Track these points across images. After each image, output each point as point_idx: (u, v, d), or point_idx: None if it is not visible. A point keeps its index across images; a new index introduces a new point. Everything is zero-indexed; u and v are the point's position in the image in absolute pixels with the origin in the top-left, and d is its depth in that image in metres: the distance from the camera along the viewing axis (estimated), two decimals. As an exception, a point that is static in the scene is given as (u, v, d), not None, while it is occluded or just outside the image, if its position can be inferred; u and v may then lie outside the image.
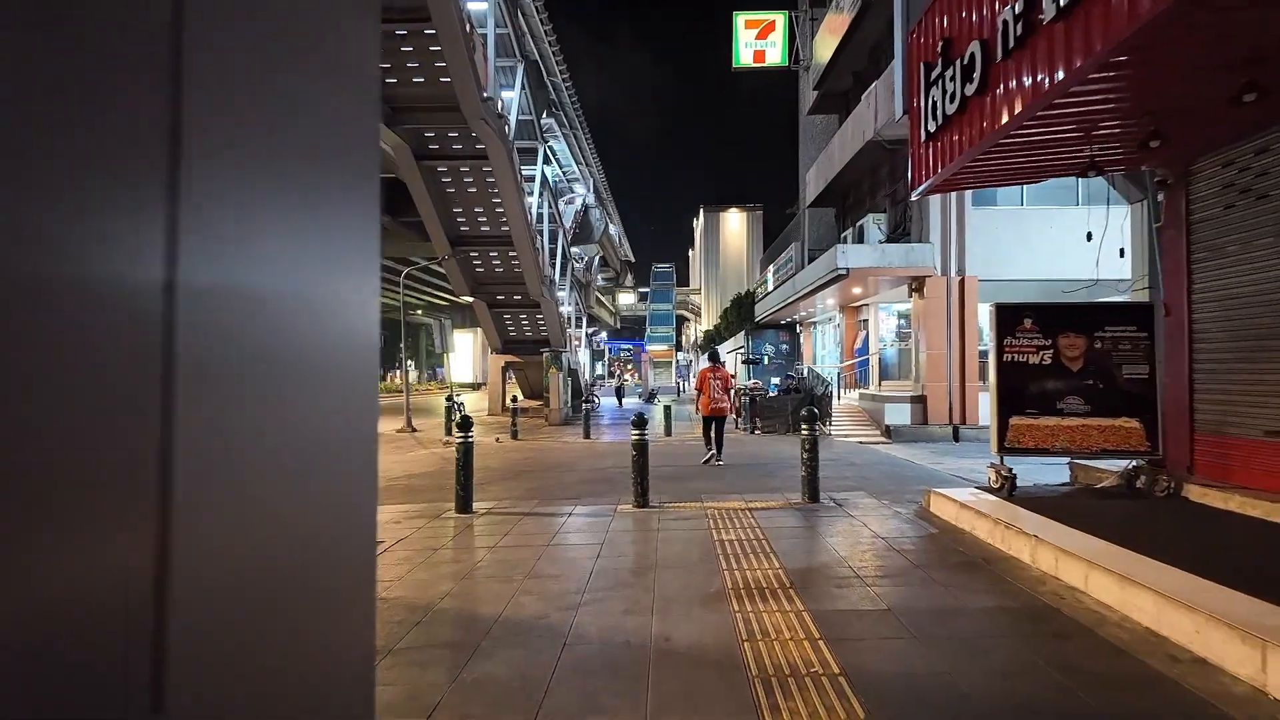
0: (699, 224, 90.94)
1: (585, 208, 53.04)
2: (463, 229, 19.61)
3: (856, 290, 17.59)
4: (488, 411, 25.22)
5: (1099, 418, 6.24)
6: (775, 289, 23.67)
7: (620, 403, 30.25)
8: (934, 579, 4.66)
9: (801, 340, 27.45)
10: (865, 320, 20.99)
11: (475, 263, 20.90)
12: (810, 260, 19.86)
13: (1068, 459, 7.37)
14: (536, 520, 6.89)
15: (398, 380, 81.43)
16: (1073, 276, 15.25)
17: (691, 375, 49.12)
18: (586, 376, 35.99)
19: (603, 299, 78.50)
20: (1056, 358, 6.32)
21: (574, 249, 52.88)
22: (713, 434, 11.25)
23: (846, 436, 15.06)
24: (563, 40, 27.39)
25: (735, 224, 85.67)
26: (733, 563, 5.12)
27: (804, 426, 7.46)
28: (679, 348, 75.74)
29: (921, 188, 6.93)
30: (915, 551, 5.38)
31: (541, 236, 22.38)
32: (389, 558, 5.59)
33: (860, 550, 5.44)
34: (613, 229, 68.85)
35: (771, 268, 24.30)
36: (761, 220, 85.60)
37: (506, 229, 19.05)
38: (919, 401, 15.19)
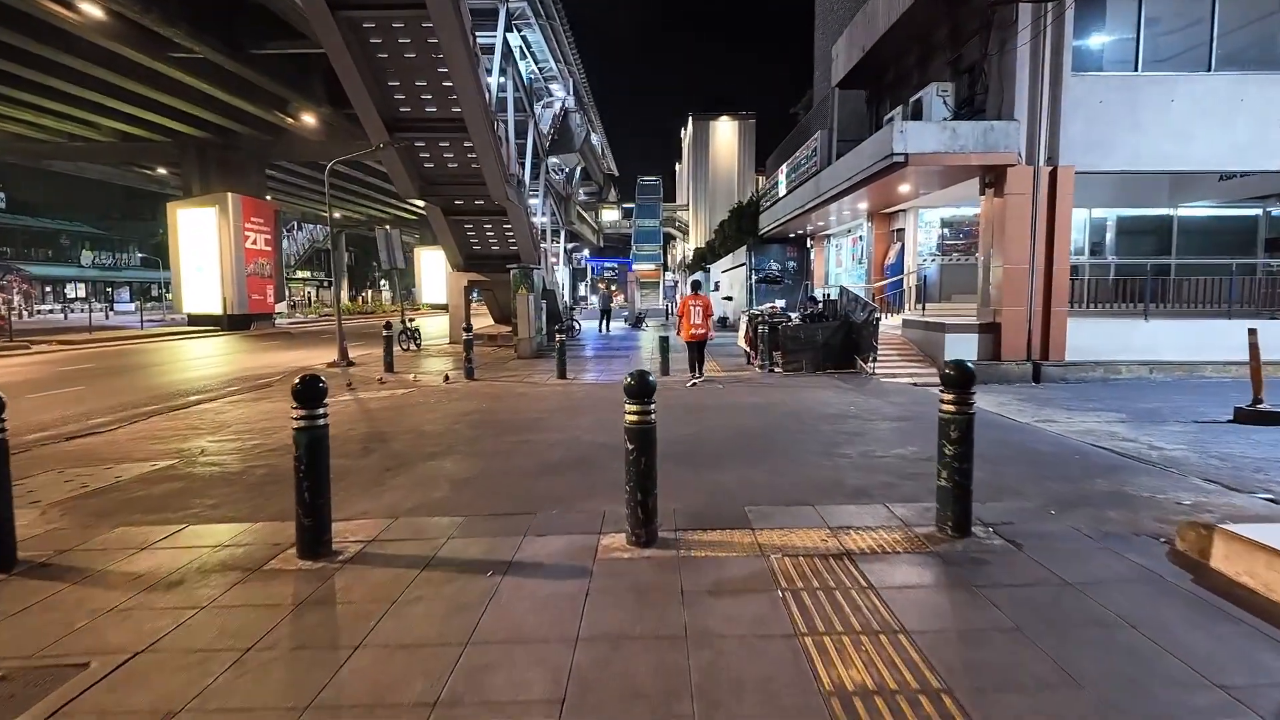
0: (687, 134, 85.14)
1: (565, 112, 47.58)
2: (402, 110, 15.46)
3: (904, 189, 13.90)
4: (449, 339, 21.64)
5: None
6: (789, 193, 19.85)
7: (606, 328, 26.61)
8: None
9: (813, 256, 23.84)
10: (900, 230, 17.37)
11: (422, 155, 16.82)
12: (839, 154, 16.02)
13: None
14: (439, 591, 3.49)
15: (373, 301, 77.01)
16: (1202, 167, 11.74)
17: (679, 297, 45.37)
18: (566, 298, 32.26)
19: (585, 215, 73.75)
20: None
21: (553, 159, 47.91)
22: (694, 359, 11.40)
23: (895, 376, 11.74)
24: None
25: (726, 134, 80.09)
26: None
27: (946, 397, 4.09)
28: (666, 267, 71.75)
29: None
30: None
31: (506, 125, 18.23)
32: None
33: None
34: (595, 138, 63.41)
35: (785, 167, 20.41)
36: (754, 130, 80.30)
37: (458, 110, 14.96)
38: (989, 331, 11.84)
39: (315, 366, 15.06)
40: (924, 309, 15.16)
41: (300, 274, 79.10)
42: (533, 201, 23.73)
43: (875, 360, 11.66)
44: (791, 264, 24.76)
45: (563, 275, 37.48)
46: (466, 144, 15.99)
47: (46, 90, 22.96)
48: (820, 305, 13.56)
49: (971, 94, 12.45)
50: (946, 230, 17.07)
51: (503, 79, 18.73)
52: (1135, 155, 11.69)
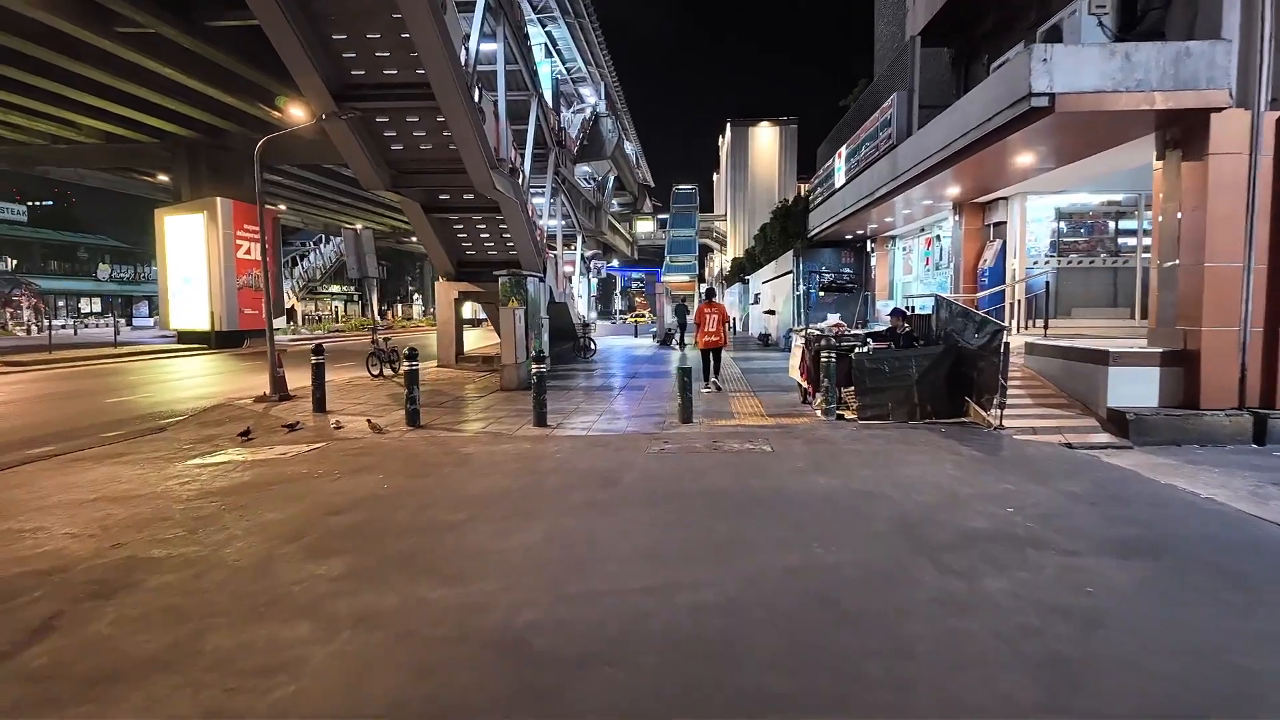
0: (724, 141, 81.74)
1: (596, 116, 44.60)
2: (355, 73, 12.09)
3: (1023, 160, 9.92)
4: (437, 362, 18.20)
5: None
6: (848, 182, 15.93)
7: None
8: None
9: (874, 262, 19.82)
10: (998, 225, 13.34)
11: (387, 134, 13.43)
12: (921, 124, 12.13)
13: None
14: None
15: (402, 315, 74.90)
16: None
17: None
18: (582, 312, 28.63)
19: (618, 225, 70.59)
20: None
21: (584, 166, 44.74)
22: (710, 365, 11.43)
23: (1033, 429, 7.78)
24: None
25: (766, 140, 76.56)
26: None
27: None
28: (702, 279, 67.89)
29: None
30: None
31: (496, 103, 14.72)
32: None
33: None
34: (629, 147, 60.26)
35: (843, 151, 16.51)
36: (796, 135, 76.60)
37: (423, 72, 11.53)
38: (1177, 363, 7.81)
39: (241, 401, 11.70)
40: (1045, 328, 11.12)
41: (333, 287, 77.44)
42: (538, 200, 20.26)
43: (1003, 406, 7.72)
44: (847, 271, 20.77)
45: (581, 286, 33.90)
46: (440, 118, 12.55)
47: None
48: (906, 321, 9.64)
49: (1138, 10, 8.45)
50: (1063, 224, 13.00)
51: (491, 44, 15.28)
52: None
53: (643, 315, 43.93)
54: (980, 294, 13.05)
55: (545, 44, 36.41)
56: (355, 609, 3.47)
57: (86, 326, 45.12)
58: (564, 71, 40.28)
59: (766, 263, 27.06)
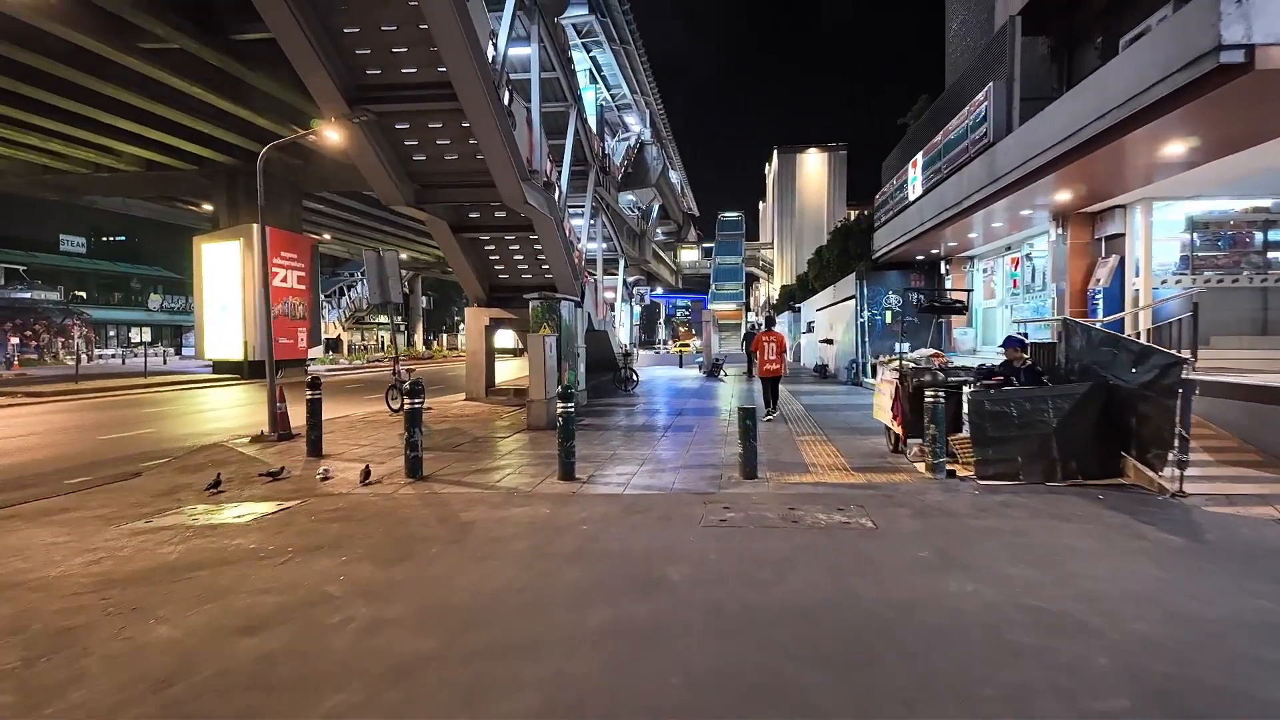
0: (771, 169, 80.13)
1: (641, 144, 43.69)
2: (370, 73, 10.82)
3: (1170, 150, 7.92)
4: (465, 394, 16.71)
5: None
6: (926, 192, 14.01)
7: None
8: None
9: (949, 284, 17.74)
10: (1114, 238, 11.25)
11: (409, 143, 12.12)
12: (1024, 118, 10.22)
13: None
14: None
15: (445, 345, 74.71)
16: None
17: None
18: (624, 340, 26.99)
19: (662, 254, 69.43)
20: None
21: (629, 195, 43.76)
22: (769, 394, 11.29)
23: (1226, 497, 5.74)
24: None
25: (814, 166, 74.71)
26: None
27: None
28: (748, 308, 65.93)
29: None
30: None
31: (530, 110, 13.32)
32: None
33: None
34: (674, 175, 59.15)
35: (919, 159, 14.58)
36: (845, 162, 74.71)
37: (445, 70, 10.18)
38: None
39: (238, 441, 10.33)
40: (1195, 361, 8.97)
41: (381, 318, 78.08)
42: (576, 221, 18.82)
43: (1184, 465, 5.70)
44: (918, 296, 18.68)
45: (625, 313, 32.35)
46: (465, 124, 11.20)
47: (31, 103, 20.12)
48: (1026, 353, 7.66)
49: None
50: (1195, 236, 10.87)
51: (525, 49, 13.98)
52: None
53: (687, 345, 41.94)
54: (1111, 317, 10.91)
55: (590, 70, 35.62)
56: None
57: (136, 355, 45.50)
58: (609, 98, 39.43)
59: (822, 288, 25.10)
